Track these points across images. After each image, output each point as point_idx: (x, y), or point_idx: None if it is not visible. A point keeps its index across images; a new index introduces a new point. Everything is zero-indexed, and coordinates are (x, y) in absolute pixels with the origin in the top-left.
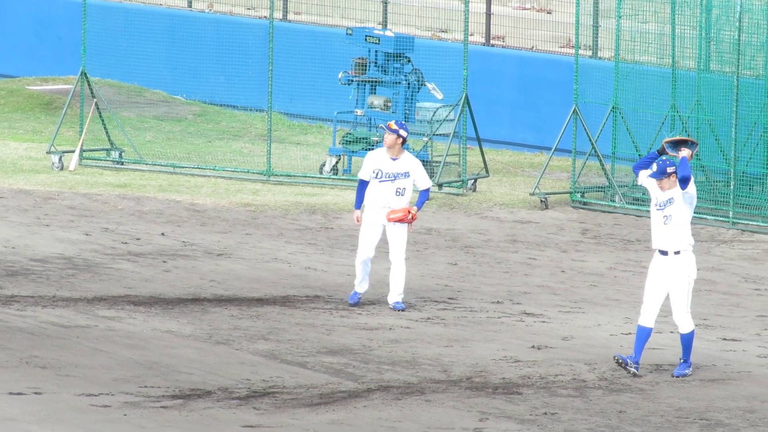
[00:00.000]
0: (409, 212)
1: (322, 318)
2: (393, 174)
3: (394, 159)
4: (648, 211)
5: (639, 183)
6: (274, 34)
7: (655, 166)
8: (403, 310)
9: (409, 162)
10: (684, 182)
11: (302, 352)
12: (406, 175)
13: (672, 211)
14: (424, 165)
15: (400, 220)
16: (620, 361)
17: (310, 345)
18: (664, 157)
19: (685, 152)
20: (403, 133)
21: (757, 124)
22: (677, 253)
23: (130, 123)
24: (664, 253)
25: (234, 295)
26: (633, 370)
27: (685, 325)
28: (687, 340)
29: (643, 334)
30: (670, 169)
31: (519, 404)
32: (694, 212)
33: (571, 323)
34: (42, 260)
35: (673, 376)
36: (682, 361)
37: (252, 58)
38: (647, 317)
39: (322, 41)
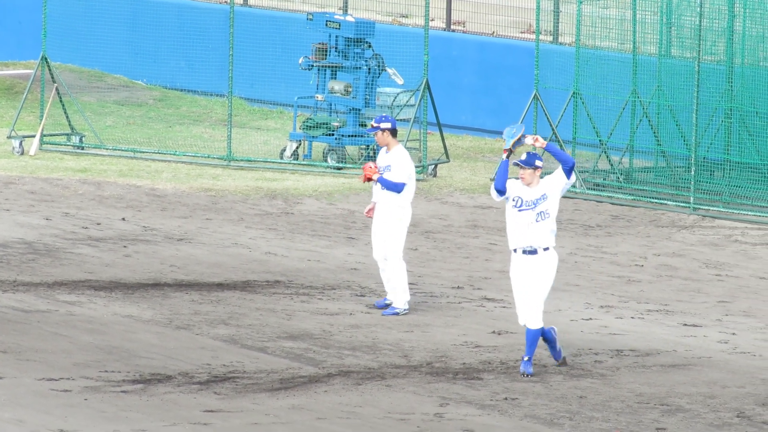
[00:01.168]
0: (370, 169)
1: (283, 303)
2: (381, 167)
3: (386, 153)
4: (609, 197)
5: (500, 199)
6: (234, 19)
7: (524, 156)
8: (396, 314)
9: (393, 155)
10: (571, 172)
11: (262, 337)
12: (388, 168)
13: (547, 205)
14: None
15: (367, 178)
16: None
17: (271, 330)
18: (531, 151)
19: (528, 139)
20: (384, 125)
21: (717, 109)
22: (546, 249)
23: (90, 108)
24: (532, 251)
25: (194, 280)
26: (564, 361)
27: (537, 321)
28: (534, 337)
29: (547, 335)
30: (539, 162)
31: (479, 389)
32: (655, 197)
33: None
34: (2, 245)
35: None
36: (526, 359)
37: (212, 43)
38: (537, 320)
39: (283, 26)
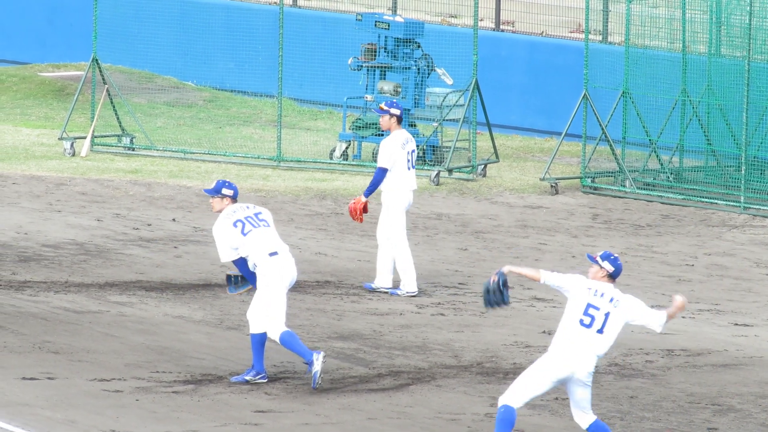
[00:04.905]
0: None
1: (333, 303)
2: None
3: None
4: (659, 196)
5: None
6: (284, 19)
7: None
8: (370, 290)
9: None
10: None
11: (313, 338)
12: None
13: None
14: (433, 150)
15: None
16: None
17: (321, 330)
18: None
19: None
20: (393, 111)
21: None
22: None
23: (140, 109)
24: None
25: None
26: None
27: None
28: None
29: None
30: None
31: None
32: (705, 197)
33: None
34: (54, 246)
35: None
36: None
37: (262, 43)
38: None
39: (332, 27)
